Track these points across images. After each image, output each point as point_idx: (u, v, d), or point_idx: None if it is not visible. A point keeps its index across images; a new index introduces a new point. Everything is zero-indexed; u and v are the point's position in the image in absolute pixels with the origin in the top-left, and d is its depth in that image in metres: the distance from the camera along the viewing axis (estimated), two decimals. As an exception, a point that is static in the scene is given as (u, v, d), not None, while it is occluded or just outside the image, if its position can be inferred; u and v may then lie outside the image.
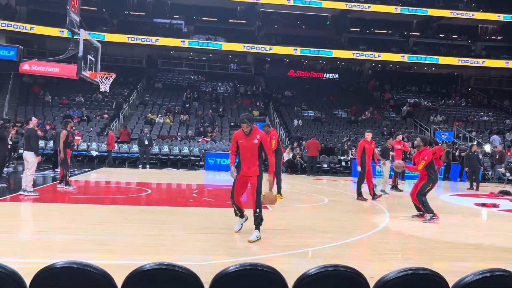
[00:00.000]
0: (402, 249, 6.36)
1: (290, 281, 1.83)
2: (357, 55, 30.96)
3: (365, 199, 10.83)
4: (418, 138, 8.77)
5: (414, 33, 34.94)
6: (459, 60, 31.36)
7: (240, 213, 6.44)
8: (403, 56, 31.21)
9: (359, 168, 10.85)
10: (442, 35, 34.65)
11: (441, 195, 13.11)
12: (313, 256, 5.68)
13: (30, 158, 9.34)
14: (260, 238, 5.93)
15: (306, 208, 9.80)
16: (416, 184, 8.48)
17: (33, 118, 10.20)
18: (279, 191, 10.42)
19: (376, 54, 30.98)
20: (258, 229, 5.99)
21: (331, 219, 8.26)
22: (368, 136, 10.91)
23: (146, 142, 18.77)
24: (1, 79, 27.00)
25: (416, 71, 35.39)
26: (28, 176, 9.32)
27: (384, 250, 6.06)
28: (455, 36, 34.61)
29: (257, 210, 5.97)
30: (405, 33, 34.62)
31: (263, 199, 6.32)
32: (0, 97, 25.29)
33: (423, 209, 8.26)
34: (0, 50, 11.73)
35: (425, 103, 30.85)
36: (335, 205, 10.25)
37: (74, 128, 18.61)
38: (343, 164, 20.38)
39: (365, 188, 11.11)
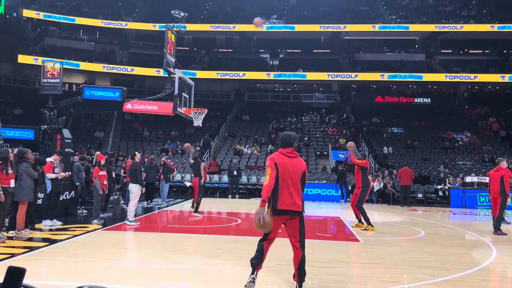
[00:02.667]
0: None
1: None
2: (451, 77, 29.34)
3: (504, 234, 10.02)
4: (499, 157, 8.48)
5: (514, 51, 32.38)
6: None
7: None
8: (503, 76, 28.92)
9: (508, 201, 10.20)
10: (548, 51, 31.72)
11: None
12: (411, 293, 5.36)
13: (135, 190, 10.16)
14: None
15: (400, 241, 9.30)
16: None
17: (137, 153, 11.22)
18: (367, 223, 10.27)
19: (472, 75, 29.09)
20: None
21: (428, 254, 7.74)
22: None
23: (235, 173, 19.33)
24: (106, 117, 29.78)
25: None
26: (131, 207, 10.15)
27: (492, 289, 5.54)
28: None
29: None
30: (504, 51, 32.21)
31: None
32: (105, 133, 27.84)
33: None
34: (106, 92, 12.99)
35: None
36: (432, 238, 9.59)
37: (169, 160, 19.82)
38: (440, 193, 19.11)
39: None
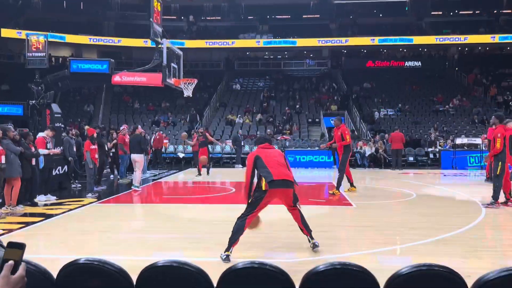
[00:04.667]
0: (501, 246, 5.93)
1: (380, 280, 1.81)
2: (441, 39, 29.18)
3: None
4: (493, 116, 8.91)
5: (504, 11, 32.08)
6: (560, 35, 28.31)
7: None
8: (493, 37, 28.80)
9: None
10: (539, 10, 31.51)
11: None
12: (402, 254, 5.50)
13: (140, 159, 11.02)
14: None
15: (393, 203, 9.47)
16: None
17: (139, 126, 12.31)
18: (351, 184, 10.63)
19: (462, 37, 28.94)
20: None
21: (420, 215, 7.90)
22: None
23: (243, 143, 19.49)
24: (95, 90, 29.41)
25: (510, 51, 32.45)
26: (137, 175, 10.98)
27: (480, 247, 5.69)
28: (554, 9, 31.28)
29: None
30: (495, 11, 31.92)
31: None
32: (95, 107, 27.56)
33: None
34: (94, 64, 12.78)
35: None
36: (424, 200, 9.76)
37: (162, 132, 19.77)
38: (431, 156, 19.34)
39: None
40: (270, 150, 5.59)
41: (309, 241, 5.40)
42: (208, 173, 14.92)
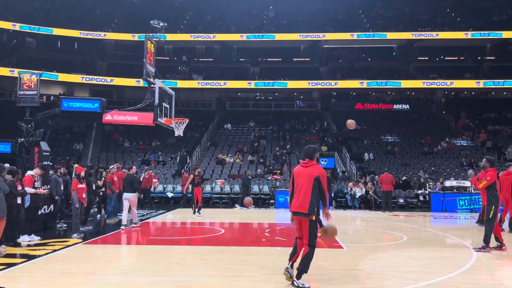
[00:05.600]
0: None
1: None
2: (428, 84, 29.91)
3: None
4: (484, 159, 8.75)
5: (488, 57, 33.23)
6: (542, 82, 29.17)
7: None
8: (478, 82, 29.63)
9: None
10: (521, 57, 32.63)
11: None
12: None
13: (133, 198, 11.32)
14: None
15: (383, 246, 9.36)
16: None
17: (134, 167, 12.68)
18: None
19: (448, 81, 29.73)
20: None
21: (411, 258, 7.81)
22: None
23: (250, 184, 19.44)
24: (85, 128, 29.36)
25: (494, 96, 33.35)
26: (134, 213, 11.51)
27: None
28: (536, 57, 32.40)
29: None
30: (479, 58, 33.03)
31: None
32: (84, 145, 27.41)
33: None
34: (85, 103, 12.83)
35: (508, 129, 28.77)
36: (415, 243, 9.68)
37: (151, 171, 19.63)
38: (421, 198, 19.35)
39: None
40: (304, 170, 5.81)
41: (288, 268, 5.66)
42: (199, 212, 14.89)
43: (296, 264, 5.63)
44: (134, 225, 11.50)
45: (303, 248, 5.59)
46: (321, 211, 5.67)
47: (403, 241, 9.88)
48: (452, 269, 6.70)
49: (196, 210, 14.89)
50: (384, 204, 17.48)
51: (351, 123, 8.71)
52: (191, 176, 14.86)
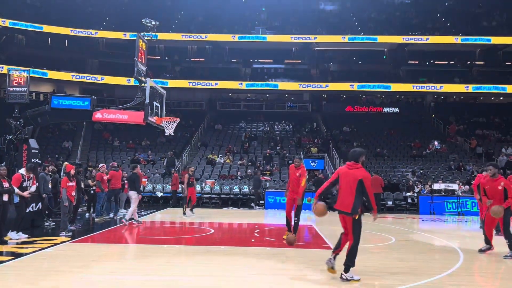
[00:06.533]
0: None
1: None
2: (417, 87, 30.17)
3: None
4: (490, 166, 8.34)
5: (477, 62, 33.62)
6: (529, 87, 29.58)
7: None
8: (467, 87, 29.97)
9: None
10: (509, 63, 33.06)
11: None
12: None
13: (135, 196, 12.22)
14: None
15: (371, 248, 9.43)
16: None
17: (138, 166, 13.43)
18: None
19: (438, 85, 30.03)
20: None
21: (399, 260, 7.89)
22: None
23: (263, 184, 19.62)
24: (75, 127, 29.13)
25: (483, 101, 33.76)
26: (132, 210, 12.15)
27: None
28: (524, 63, 32.90)
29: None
30: (468, 62, 33.42)
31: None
32: (74, 143, 27.20)
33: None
34: (75, 101, 12.70)
35: (496, 134, 29.16)
36: (403, 244, 9.78)
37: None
38: (409, 201, 19.52)
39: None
40: (349, 172, 6.17)
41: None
42: (192, 211, 15.01)
43: (338, 257, 6.12)
44: (135, 222, 12.21)
45: (348, 243, 6.05)
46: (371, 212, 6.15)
47: (391, 242, 9.97)
48: (440, 271, 6.78)
49: (189, 209, 14.95)
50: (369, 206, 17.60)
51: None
52: (186, 175, 14.93)
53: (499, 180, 8.07)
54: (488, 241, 8.52)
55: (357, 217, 5.93)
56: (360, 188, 5.94)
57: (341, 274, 6.00)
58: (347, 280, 5.93)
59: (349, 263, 5.96)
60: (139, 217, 13.39)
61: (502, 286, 6.27)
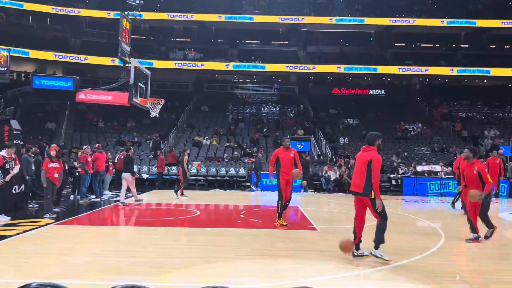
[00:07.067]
0: (460, 272, 6.06)
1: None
2: (403, 70, 30.29)
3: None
4: (466, 149, 8.11)
5: (462, 45, 33.84)
6: (513, 70, 29.92)
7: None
8: (452, 69, 30.19)
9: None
10: (493, 46, 33.33)
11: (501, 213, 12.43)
12: (364, 279, 5.54)
13: (129, 177, 12.54)
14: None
15: (355, 228, 9.54)
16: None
17: (131, 149, 13.79)
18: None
19: (423, 68, 30.18)
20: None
21: (382, 240, 7.99)
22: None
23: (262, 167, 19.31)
24: (59, 107, 28.65)
25: (467, 84, 34.10)
26: (133, 191, 12.80)
27: (440, 272, 5.80)
28: (508, 47, 33.18)
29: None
30: (453, 45, 33.60)
31: None
32: (57, 124, 26.79)
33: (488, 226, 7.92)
34: (58, 81, 12.46)
35: (479, 117, 29.57)
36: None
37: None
38: (393, 182, 19.80)
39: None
40: (362, 154, 6.40)
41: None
42: (182, 194, 15.18)
43: (362, 245, 6.31)
44: (136, 202, 12.66)
45: (376, 222, 6.22)
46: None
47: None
48: (422, 251, 6.92)
49: (177, 190, 15.17)
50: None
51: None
52: (186, 157, 15.21)
53: (474, 164, 7.99)
54: (474, 229, 7.93)
55: (373, 196, 6.07)
56: (370, 169, 6.09)
57: (371, 250, 6.10)
58: (376, 257, 6.02)
59: (380, 239, 6.07)
60: (125, 199, 13.34)
61: (481, 266, 6.43)
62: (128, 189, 12.93)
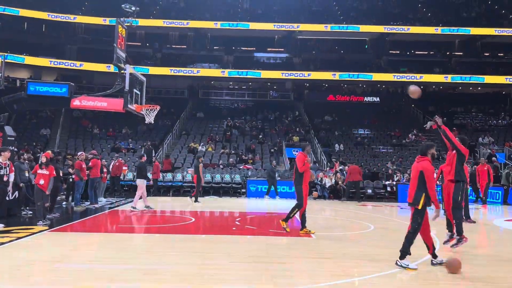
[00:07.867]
0: (459, 279, 6.05)
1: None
2: (398, 77, 30.51)
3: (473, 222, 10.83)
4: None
5: (457, 53, 34.15)
6: (506, 78, 30.19)
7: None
8: (446, 77, 30.45)
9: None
10: (487, 54, 33.65)
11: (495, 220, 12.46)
12: (360, 286, 5.52)
13: (142, 184, 12.86)
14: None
15: (351, 235, 9.55)
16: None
17: (145, 155, 14.31)
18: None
19: (418, 75, 30.41)
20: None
21: (378, 247, 8.00)
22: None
23: (277, 174, 19.06)
24: (53, 114, 28.56)
25: (461, 91, 34.34)
26: (137, 197, 12.81)
27: (437, 279, 5.79)
28: (501, 54, 33.51)
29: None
30: (447, 53, 33.90)
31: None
32: (52, 131, 26.69)
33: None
34: (53, 87, 12.43)
35: (473, 124, 29.75)
36: (381, 232, 9.93)
37: (121, 159, 19.28)
38: (388, 189, 19.81)
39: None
40: (415, 164, 6.38)
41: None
42: (196, 200, 15.57)
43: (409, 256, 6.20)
44: (132, 209, 12.58)
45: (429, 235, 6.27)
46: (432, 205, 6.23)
47: (371, 230, 10.11)
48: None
49: (191, 197, 15.84)
50: (347, 194, 18.00)
51: (414, 90, 7.76)
52: (201, 164, 15.77)
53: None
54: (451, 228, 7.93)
55: (419, 207, 6.10)
56: (422, 180, 6.11)
57: (396, 260, 6.13)
58: (401, 267, 6.02)
59: (404, 249, 6.11)
60: (115, 207, 13.34)
61: (478, 272, 6.42)
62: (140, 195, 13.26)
